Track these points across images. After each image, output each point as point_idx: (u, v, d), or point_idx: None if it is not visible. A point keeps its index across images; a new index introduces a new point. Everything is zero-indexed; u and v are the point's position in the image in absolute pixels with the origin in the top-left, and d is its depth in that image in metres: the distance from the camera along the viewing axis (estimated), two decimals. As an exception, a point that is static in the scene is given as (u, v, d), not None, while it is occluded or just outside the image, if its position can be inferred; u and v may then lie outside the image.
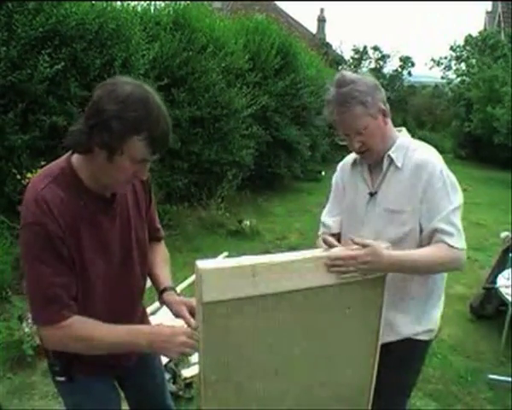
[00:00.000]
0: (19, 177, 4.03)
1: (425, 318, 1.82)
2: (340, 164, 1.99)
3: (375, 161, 1.78)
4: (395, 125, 1.83)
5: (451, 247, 1.63)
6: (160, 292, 1.62)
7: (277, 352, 1.49)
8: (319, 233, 1.96)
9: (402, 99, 19.74)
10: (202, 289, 1.32)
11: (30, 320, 3.18)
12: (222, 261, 1.52)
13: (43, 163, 4.04)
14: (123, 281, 1.52)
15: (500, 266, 4.17)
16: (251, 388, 1.49)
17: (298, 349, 1.52)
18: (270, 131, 8.03)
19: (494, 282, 3.99)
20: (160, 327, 1.47)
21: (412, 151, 1.74)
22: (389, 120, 1.75)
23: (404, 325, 1.78)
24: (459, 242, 1.66)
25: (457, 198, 1.69)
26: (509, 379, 3.20)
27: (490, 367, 3.44)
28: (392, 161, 1.73)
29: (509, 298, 3.59)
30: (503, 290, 3.72)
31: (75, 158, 1.39)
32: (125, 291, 1.54)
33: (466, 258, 1.70)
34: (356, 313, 1.60)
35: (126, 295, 1.56)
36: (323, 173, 10.28)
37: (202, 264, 1.34)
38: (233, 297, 1.36)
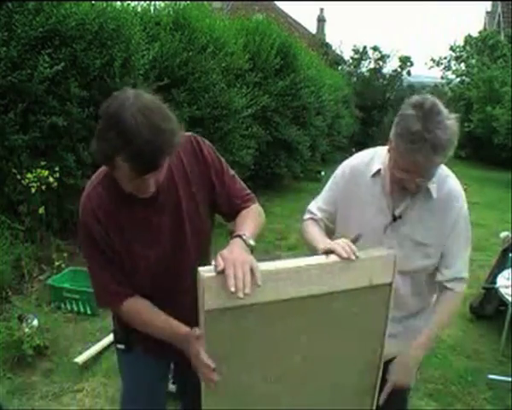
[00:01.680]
0: (19, 177, 4.02)
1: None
2: (352, 165, 1.77)
3: None
4: None
5: (459, 292, 1.72)
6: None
7: (280, 358, 1.48)
8: (305, 217, 1.86)
9: (401, 99, 19.51)
10: (204, 296, 1.30)
11: (30, 320, 3.18)
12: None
13: (43, 163, 4.05)
14: (174, 272, 1.52)
15: (500, 266, 4.18)
16: (253, 391, 1.48)
17: (301, 355, 1.51)
18: (270, 131, 8.03)
19: (494, 282, 3.99)
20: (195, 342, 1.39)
21: (444, 178, 1.65)
22: None
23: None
24: (465, 285, 1.74)
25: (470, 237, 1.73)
26: (509, 379, 3.21)
27: (490, 367, 3.44)
28: (427, 191, 1.62)
29: (508, 298, 3.59)
30: (503, 290, 3.72)
31: None
32: (176, 282, 1.53)
33: None
34: (361, 320, 1.58)
35: (178, 286, 1.54)
36: (323, 173, 10.27)
37: (205, 271, 1.32)
38: (236, 305, 1.33)
